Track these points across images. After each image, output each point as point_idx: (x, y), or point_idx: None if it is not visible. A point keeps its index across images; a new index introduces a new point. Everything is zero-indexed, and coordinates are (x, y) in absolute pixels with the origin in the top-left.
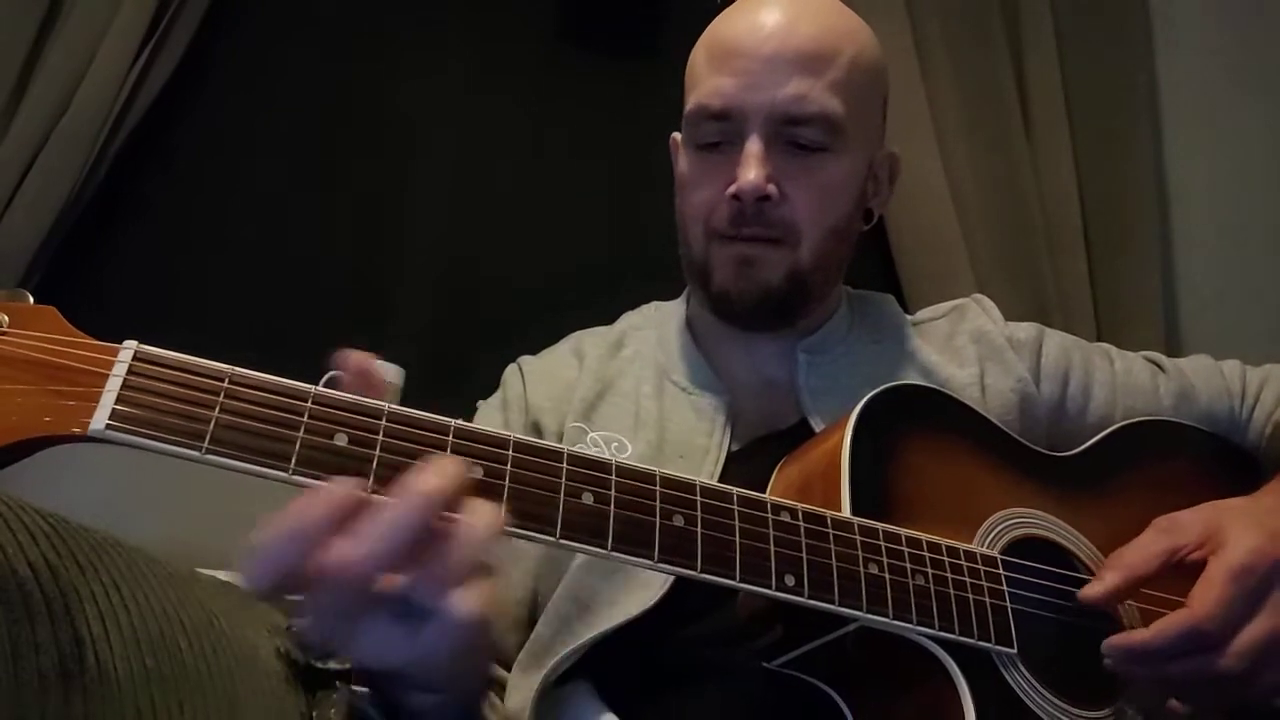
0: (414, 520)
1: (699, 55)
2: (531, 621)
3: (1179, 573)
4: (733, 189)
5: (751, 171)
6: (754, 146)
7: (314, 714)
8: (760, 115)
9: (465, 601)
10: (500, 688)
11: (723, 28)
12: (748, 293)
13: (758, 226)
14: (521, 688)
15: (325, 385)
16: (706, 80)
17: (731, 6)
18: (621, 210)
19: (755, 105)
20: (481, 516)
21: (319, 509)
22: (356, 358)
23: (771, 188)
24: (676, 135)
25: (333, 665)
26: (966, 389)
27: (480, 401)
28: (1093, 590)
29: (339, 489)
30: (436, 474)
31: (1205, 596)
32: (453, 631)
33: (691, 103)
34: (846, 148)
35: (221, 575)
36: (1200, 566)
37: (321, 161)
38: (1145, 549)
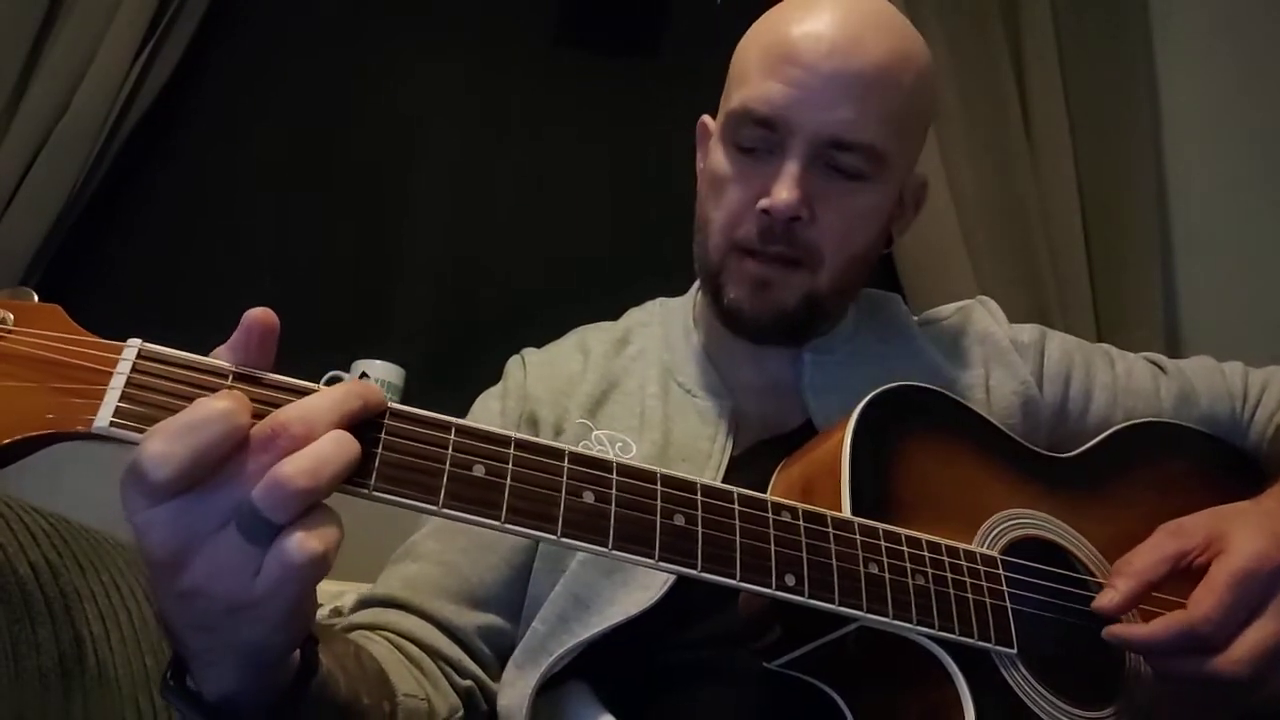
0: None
1: (752, 50)
2: (491, 606)
3: (1183, 577)
4: (765, 204)
5: (785, 191)
6: (793, 166)
7: None
8: (806, 133)
9: (307, 536)
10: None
11: (782, 28)
12: (762, 313)
13: (783, 245)
14: (518, 685)
15: (326, 384)
16: (757, 83)
17: (792, 3)
18: (622, 207)
19: (802, 122)
20: (336, 436)
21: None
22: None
23: (804, 209)
24: (706, 118)
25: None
26: (971, 391)
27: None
28: (1108, 599)
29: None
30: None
31: (1204, 599)
32: (291, 560)
33: (737, 101)
34: (885, 179)
35: None
36: (1204, 571)
37: (322, 161)
38: (1153, 554)
